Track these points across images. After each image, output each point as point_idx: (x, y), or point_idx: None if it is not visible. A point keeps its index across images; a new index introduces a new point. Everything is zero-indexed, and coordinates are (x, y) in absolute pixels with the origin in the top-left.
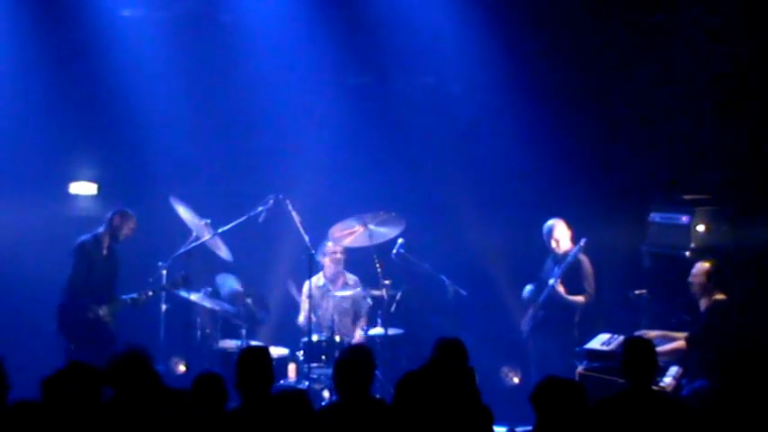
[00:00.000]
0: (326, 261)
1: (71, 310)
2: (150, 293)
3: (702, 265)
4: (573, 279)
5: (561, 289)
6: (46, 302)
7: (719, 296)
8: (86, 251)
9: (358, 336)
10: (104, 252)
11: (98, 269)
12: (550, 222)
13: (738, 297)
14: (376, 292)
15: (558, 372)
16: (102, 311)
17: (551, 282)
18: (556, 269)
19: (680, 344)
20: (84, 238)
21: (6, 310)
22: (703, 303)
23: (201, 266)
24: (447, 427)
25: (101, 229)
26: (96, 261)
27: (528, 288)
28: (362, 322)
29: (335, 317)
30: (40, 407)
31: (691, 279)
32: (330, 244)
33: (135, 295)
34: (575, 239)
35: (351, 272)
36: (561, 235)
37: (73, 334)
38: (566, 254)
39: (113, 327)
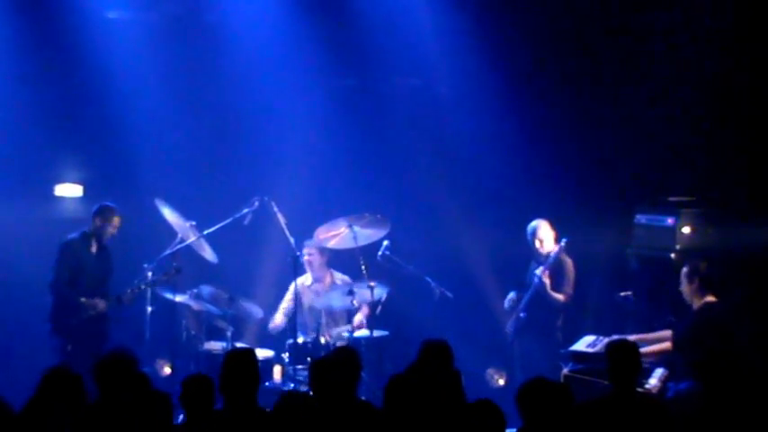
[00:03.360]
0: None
1: (65, 310)
2: (142, 287)
3: (683, 270)
4: (555, 278)
5: (547, 281)
6: (32, 304)
7: (710, 298)
8: (72, 249)
9: (356, 321)
10: (93, 251)
11: (87, 267)
12: (534, 223)
13: (724, 299)
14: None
15: (542, 374)
16: (99, 307)
17: (538, 271)
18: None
19: (666, 345)
20: (71, 236)
21: None
22: (694, 306)
23: (187, 268)
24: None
25: (88, 228)
26: (84, 259)
27: (510, 296)
28: (356, 322)
29: (322, 318)
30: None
31: (680, 288)
32: (306, 248)
33: (126, 291)
34: (558, 241)
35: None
36: (545, 235)
37: (68, 333)
38: (548, 255)
39: (107, 325)
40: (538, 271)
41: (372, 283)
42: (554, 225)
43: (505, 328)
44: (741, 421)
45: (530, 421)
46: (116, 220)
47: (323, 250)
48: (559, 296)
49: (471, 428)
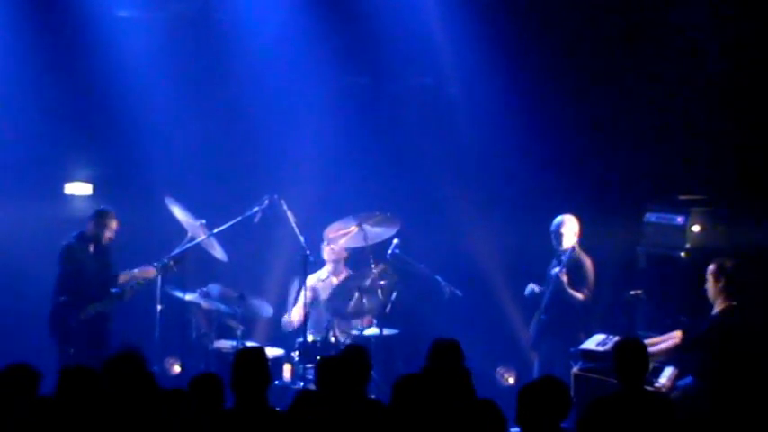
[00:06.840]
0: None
1: (59, 314)
2: (140, 283)
3: (709, 268)
4: (573, 277)
5: (564, 278)
6: (41, 302)
7: (733, 302)
8: (71, 253)
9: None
10: (91, 250)
11: (87, 268)
12: (560, 218)
13: (745, 302)
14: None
15: (563, 376)
16: (91, 309)
17: (555, 270)
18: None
19: (673, 341)
20: (68, 240)
21: (1, 310)
22: (715, 309)
23: (197, 267)
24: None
25: (86, 229)
26: (84, 261)
27: (530, 286)
28: (366, 320)
29: (332, 315)
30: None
31: (705, 285)
32: (332, 243)
33: (124, 287)
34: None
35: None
36: (566, 231)
37: (63, 337)
38: (566, 251)
39: (108, 325)
40: (555, 270)
41: (382, 282)
42: (581, 223)
43: (529, 329)
44: (745, 422)
45: (524, 423)
46: (113, 224)
47: (346, 249)
48: (579, 294)
49: (472, 428)
